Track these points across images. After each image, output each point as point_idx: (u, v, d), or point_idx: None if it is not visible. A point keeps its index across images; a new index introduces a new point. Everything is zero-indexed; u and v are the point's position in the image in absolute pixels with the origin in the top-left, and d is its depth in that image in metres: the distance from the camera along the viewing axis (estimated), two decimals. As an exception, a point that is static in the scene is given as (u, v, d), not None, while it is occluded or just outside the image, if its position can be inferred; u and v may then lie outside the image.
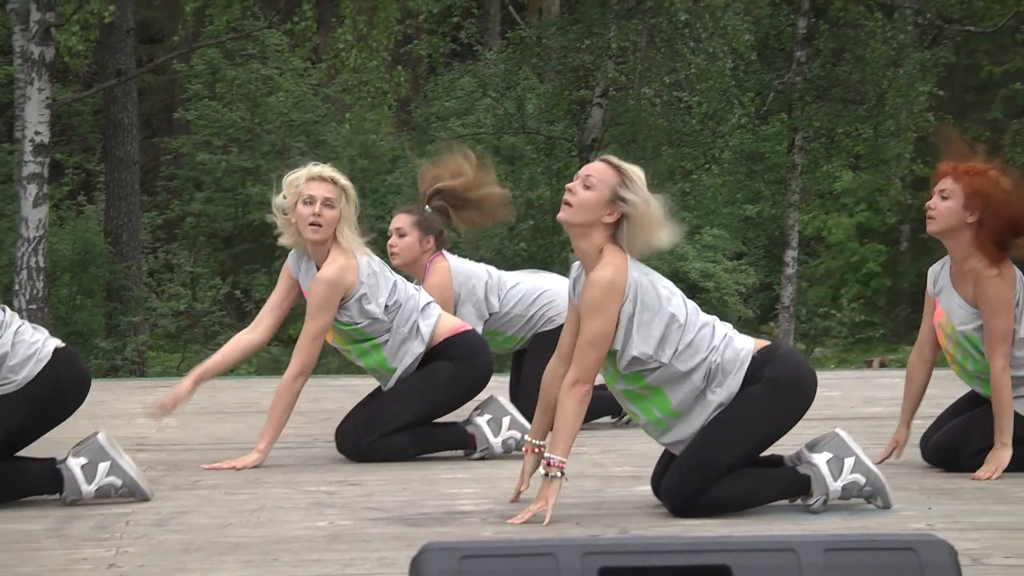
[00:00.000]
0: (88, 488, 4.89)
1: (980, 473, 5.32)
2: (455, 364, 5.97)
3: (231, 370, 16.08)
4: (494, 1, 25.02)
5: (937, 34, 22.11)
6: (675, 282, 16.73)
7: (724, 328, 4.75)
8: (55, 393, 4.97)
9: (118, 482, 4.92)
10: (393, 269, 6.26)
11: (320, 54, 22.02)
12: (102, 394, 8.17)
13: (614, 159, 4.67)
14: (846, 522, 4.62)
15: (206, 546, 4.32)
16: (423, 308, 6.00)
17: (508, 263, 20.66)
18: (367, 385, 9.49)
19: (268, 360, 17.70)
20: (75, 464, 4.91)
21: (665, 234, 4.63)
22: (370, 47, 17.44)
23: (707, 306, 19.42)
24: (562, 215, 4.60)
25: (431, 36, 22.66)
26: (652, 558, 2.35)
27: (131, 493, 4.97)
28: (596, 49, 18.86)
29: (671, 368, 4.60)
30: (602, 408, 6.77)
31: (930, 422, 5.82)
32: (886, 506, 4.74)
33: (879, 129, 20.45)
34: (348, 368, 18.39)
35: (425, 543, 2.36)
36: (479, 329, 6.65)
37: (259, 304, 19.21)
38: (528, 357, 6.91)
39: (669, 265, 19.26)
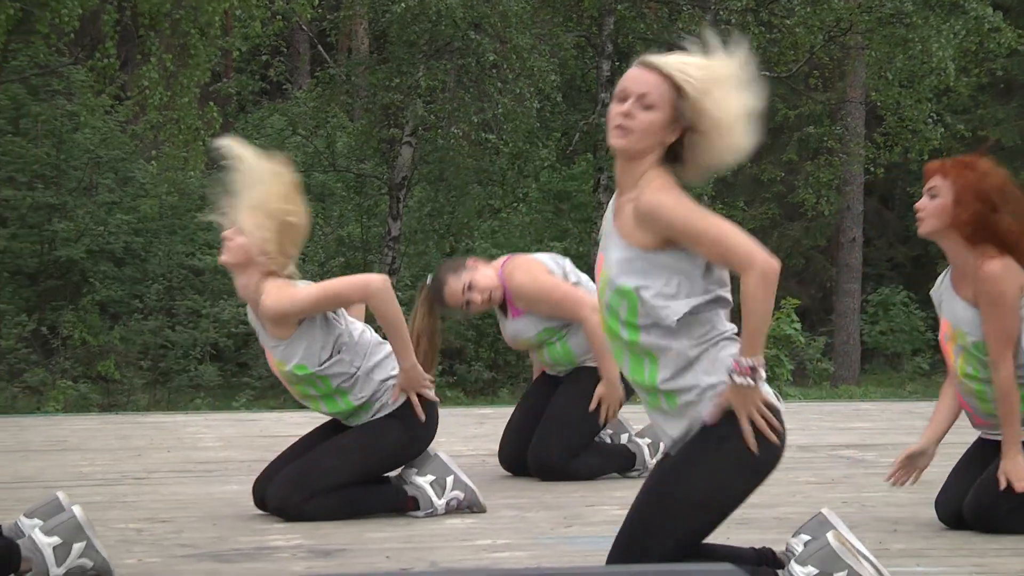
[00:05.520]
0: (57, 571, 4.20)
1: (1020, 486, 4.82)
2: (404, 424, 5.46)
3: (38, 407, 15.68)
4: (303, 40, 24.92)
5: (735, 78, 22.60)
6: (484, 318, 16.88)
7: None
8: None
9: (88, 564, 4.25)
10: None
11: (127, 91, 21.69)
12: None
13: (656, 62, 3.74)
14: None
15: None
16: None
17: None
18: (178, 422, 9.36)
19: (76, 398, 17.31)
20: (46, 544, 4.21)
21: (739, 141, 3.73)
22: (180, 84, 17.23)
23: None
24: (620, 142, 3.71)
25: (240, 75, 22.48)
26: (461, 588, 2.36)
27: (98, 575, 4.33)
28: (405, 88, 18.89)
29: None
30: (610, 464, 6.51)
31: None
32: None
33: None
34: (158, 405, 18.12)
35: (236, 578, 2.34)
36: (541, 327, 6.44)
37: (66, 341, 18.80)
38: (564, 389, 6.52)
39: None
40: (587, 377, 6.42)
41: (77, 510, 4.28)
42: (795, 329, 19.60)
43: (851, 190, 23.78)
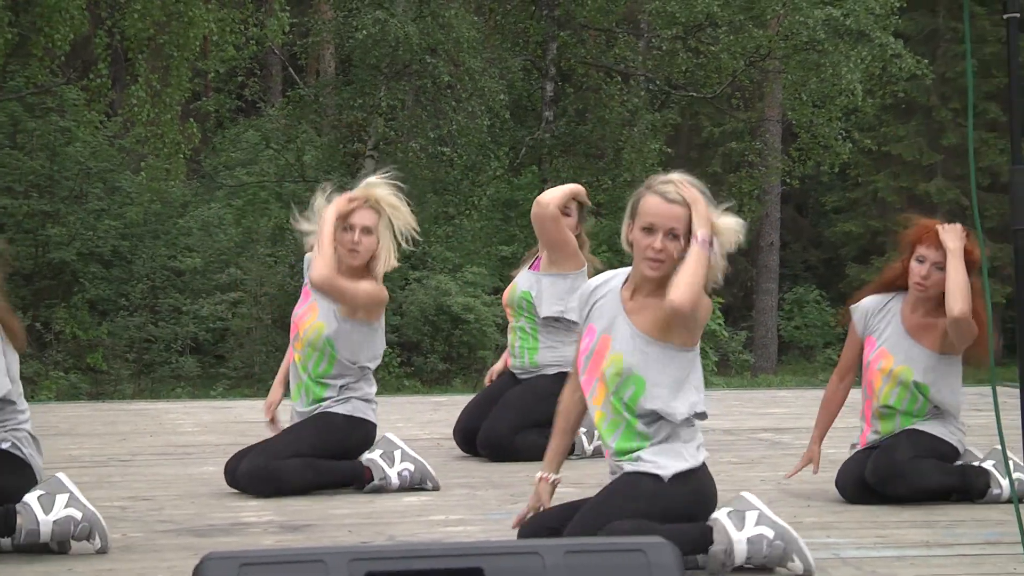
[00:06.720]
0: (46, 518, 4.10)
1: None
2: (350, 423, 5.43)
3: (32, 396, 15.54)
4: (275, 62, 24.80)
5: (666, 98, 22.68)
6: (439, 315, 16.83)
7: None
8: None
9: (78, 515, 4.13)
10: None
11: (116, 108, 21.53)
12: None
13: (677, 198, 3.83)
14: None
15: (3, 559, 4.16)
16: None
17: (291, 299, 20.45)
18: (160, 410, 9.30)
19: (67, 387, 17.17)
20: (31, 497, 4.14)
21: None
22: (164, 102, 17.14)
23: (468, 336, 19.57)
24: (655, 273, 3.83)
25: (218, 93, 22.36)
26: (414, 562, 2.35)
27: (91, 530, 4.17)
28: (368, 107, 18.84)
29: None
30: None
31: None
32: (808, 571, 3.79)
33: (616, 181, 20.87)
34: (142, 394, 17.98)
35: (207, 552, 2.31)
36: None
37: (58, 336, 18.65)
38: (526, 384, 6.50)
39: (435, 300, 19.27)
40: (547, 381, 6.41)
41: (59, 474, 4.26)
42: (719, 324, 19.67)
43: (769, 199, 23.89)
